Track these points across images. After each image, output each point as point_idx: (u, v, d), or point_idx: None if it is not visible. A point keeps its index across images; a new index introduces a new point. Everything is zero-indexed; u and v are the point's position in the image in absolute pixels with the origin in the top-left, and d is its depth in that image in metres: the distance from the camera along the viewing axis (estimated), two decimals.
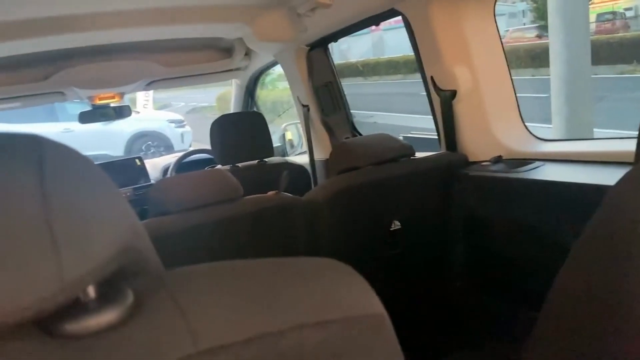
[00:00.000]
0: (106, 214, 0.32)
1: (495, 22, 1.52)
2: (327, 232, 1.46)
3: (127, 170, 2.97)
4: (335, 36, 2.21)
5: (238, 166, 2.28)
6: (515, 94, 1.56)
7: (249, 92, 3.15)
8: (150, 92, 9.19)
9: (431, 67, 1.61)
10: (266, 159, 2.36)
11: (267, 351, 0.30)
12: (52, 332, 0.28)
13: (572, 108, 3.68)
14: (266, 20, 2.14)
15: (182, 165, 2.99)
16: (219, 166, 2.39)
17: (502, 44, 1.53)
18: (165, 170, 3.06)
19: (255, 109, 3.29)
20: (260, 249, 1.38)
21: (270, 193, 1.43)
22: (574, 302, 0.60)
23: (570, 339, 0.60)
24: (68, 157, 0.32)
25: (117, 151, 8.43)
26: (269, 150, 2.30)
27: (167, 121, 9.27)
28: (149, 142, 8.94)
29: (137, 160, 3.04)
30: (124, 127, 8.64)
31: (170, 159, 3.25)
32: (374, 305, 0.37)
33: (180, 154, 3.06)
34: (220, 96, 13.55)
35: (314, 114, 2.44)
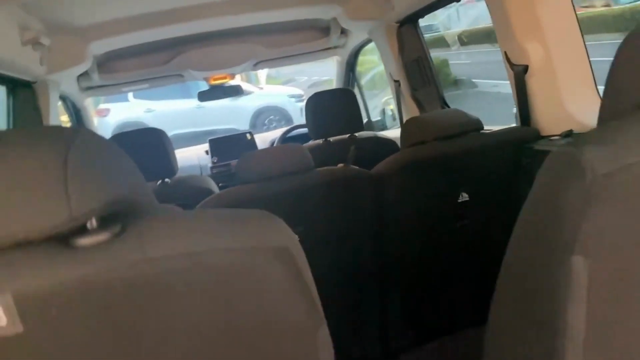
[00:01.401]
0: (114, 178, 0.49)
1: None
2: (394, 203, 1.56)
3: (238, 143, 3.28)
4: (423, 12, 2.25)
5: (329, 140, 2.44)
6: (590, 65, 1.52)
7: (349, 68, 3.29)
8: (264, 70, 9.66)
9: (504, 42, 1.62)
10: (356, 134, 2.49)
11: (191, 263, 0.46)
12: (67, 244, 0.45)
13: None
14: (354, 1, 2.25)
15: (287, 139, 3.23)
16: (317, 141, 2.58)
17: (576, 15, 1.49)
18: (272, 143, 3.32)
19: (356, 84, 3.42)
20: (330, 218, 1.53)
21: (339, 166, 1.56)
22: (511, 275, 0.69)
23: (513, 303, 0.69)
24: (92, 140, 0.50)
25: (243, 125, 9.03)
26: (359, 125, 2.43)
27: (287, 96, 9.71)
28: (271, 117, 9.45)
29: (247, 135, 3.33)
30: (249, 103, 9.23)
31: (277, 133, 3.52)
32: (281, 240, 0.50)
33: (285, 128, 3.31)
34: None
35: (405, 88, 2.51)
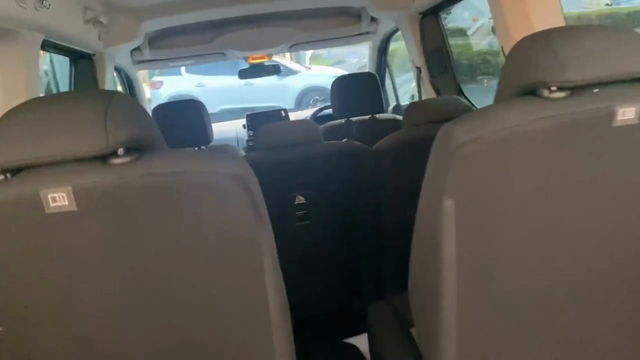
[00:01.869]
0: (137, 125, 0.74)
1: None
2: (388, 175, 1.77)
3: (273, 119, 3.53)
4: (442, 5, 2.41)
5: (351, 120, 2.67)
6: None
7: (381, 53, 3.48)
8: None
9: (501, 38, 1.78)
10: (377, 115, 2.70)
11: (177, 178, 0.71)
12: (105, 162, 0.70)
13: None
14: None
15: (317, 118, 3.47)
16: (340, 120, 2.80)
17: (563, 16, 1.64)
18: None
19: (387, 68, 3.61)
20: (333, 184, 1.76)
21: (344, 140, 1.79)
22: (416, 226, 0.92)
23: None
24: (125, 99, 0.75)
25: (288, 104, 9.27)
26: (379, 106, 2.64)
27: (333, 77, 9.88)
28: (316, 97, 9.65)
29: (282, 112, 3.58)
30: (296, 83, 9.48)
31: (311, 111, 3.77)
32: (239, 171, 0.75)
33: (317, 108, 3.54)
34: (390, 52, 13.76)
35: (425, 75, 2.69)
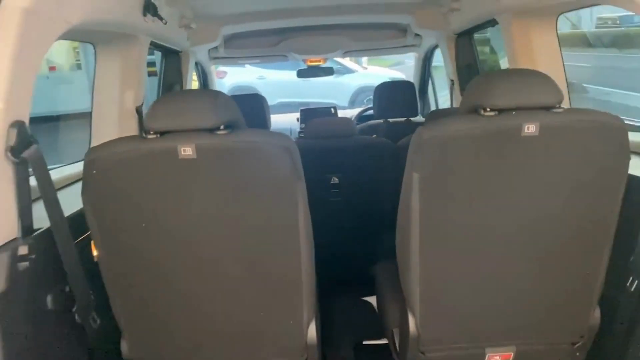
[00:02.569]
0: (231, 111, 1.22)
1: (557, 35, 2.02)
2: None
3: (323, 115, 4.01)
4: (474, 29, 2.81)
5: (389, 121, 3.11)
6: (567, 82, 2.04)
7: (424, 64, 3.89)
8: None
9: (511, 63, 2.18)
10: (412, 118, 3.13)
11: (252, 145, 1.18)
12: (213, 132, 1.16)
13: None
14: (421, 14, 2.89)
15: (362, 117, 3.94)
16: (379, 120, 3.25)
17: (560, 52, 2.02)
18: (350, 118, 4.03)
19: (430, 77, 4.02)
20: (361, 171, 2.21)
21: (373, 136, 2.24)
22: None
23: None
24: (225, 96, 1.23)
25: (342, 101, 9.68)
26: (414, 111, 3.08)
27: (388, 78, 10.26)
28: (370, 97, 10.02)
29: (332, 109, 4.06)
30: (352, 82, 9.87)
31: (357, 111, 4.24)
32: (287, 145, 1.19)
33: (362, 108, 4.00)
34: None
35: (457, 87, 3.10)
